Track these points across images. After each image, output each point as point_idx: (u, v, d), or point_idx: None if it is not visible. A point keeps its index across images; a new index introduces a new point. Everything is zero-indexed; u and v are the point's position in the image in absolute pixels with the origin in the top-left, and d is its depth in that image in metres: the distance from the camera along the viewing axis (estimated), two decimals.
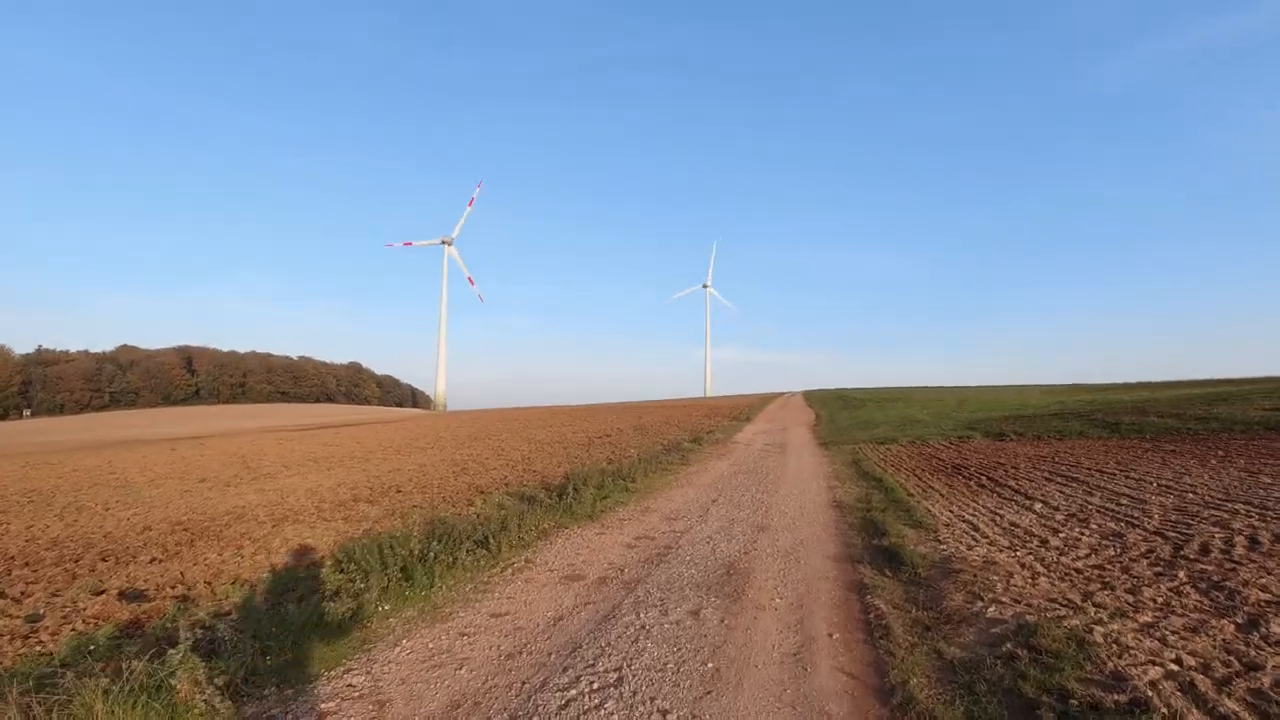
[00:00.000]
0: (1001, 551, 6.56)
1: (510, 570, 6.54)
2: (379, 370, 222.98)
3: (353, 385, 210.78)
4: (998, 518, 8.48)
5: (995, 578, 5.57)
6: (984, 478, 12.59)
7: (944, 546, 6.94)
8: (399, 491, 15.64)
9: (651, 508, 10.37)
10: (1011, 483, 11.57)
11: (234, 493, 17.31)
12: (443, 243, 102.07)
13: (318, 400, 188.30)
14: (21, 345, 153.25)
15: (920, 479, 13.01)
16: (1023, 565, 5.99)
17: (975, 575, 5.65)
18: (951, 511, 9.10)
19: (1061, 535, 7.15)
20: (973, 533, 7.59)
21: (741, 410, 45.97)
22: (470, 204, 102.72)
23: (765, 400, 64.57)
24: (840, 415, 39.40)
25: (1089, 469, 12.80)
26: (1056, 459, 14.86)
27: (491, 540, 7.09)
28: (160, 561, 8.98)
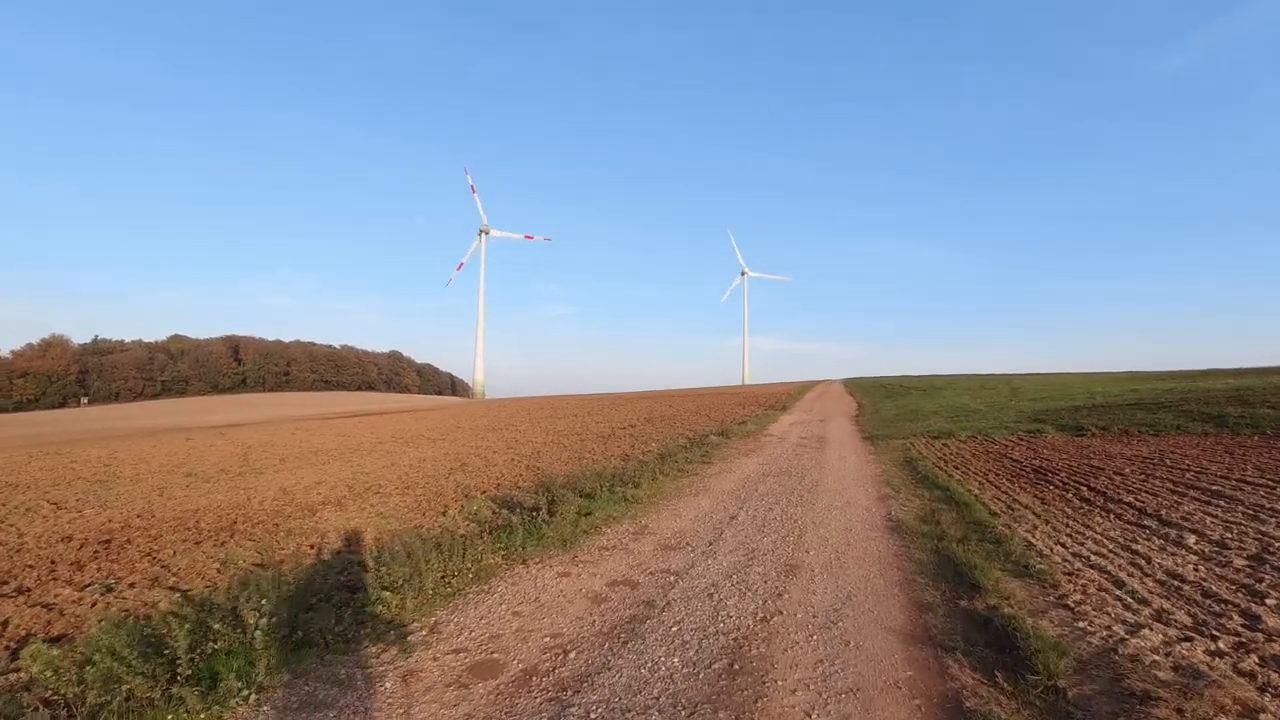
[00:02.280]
0: (1191, 642, 3.95)
1: (393, 655, 4.24)
2: (419, 359, 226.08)
3: (393, 374, 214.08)
4: (1138, 559, 5.83)
5: None
6: (1084, 488, 9.80)
7: (1082, 621, 4.38)
8: (377, 493, 13.74)
9: (649, 529, 7.98)
10: (1127, 497, 8.79)
11: (207, 490, 15.64)
12: (480, 233, 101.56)
13: (359, 388, 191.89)
14: (79, 335, 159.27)
15: (998, 487, 10.30)
16: (1256, 682, 3.39)
17: (1183, 713, 3.08)
18: (1063, 545, 6.46)
19: (1274, 601, 4.51)
20: (1115, 590, 4.98)
21: (778, 399, 43.15)
22: (474, 191, 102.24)
23: (803, 388, 61.39)
24: (884, 404, 36.23)
25: (1221, 476, 9.90)
26: (1167, 462, 11.90)
27: (385, 601, 4.81)
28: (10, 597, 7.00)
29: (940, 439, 18.72)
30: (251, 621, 3.73)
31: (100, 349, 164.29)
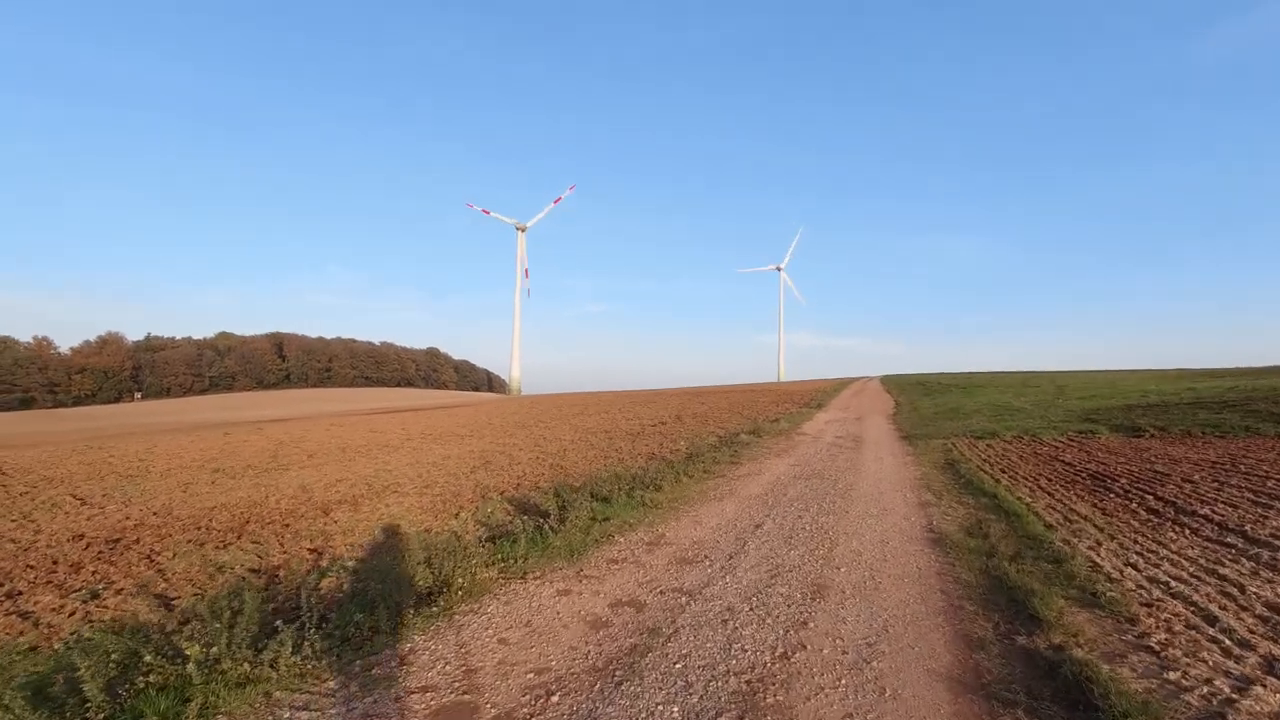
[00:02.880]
0: None
1: (351, 693, 3.69)
2: (456, 355, 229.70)
3: (431, 370, 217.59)
4: (1229, 587, 4.98)
5: None
6: (1149, 496, 8.83)
7: (1173, 671, 3.61)
8: (395, 493, 13.47)
9: (666, 538, 7.37)
10: (1202, 509, 7.81)
11: (230, 487, 15.61)
12: (518, 230, 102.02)
13: (398, 384, 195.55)
14: (134, 333, 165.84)
15: (1051, 495, 9.38)
16: None
17: None
18: (1135, 567, 5.63)
19: None
20: (1207, 628, 4.18)
21: (813, 396, 42.00)
22: (556, 202, 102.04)
23: (839, 386, 59.88)
24: (922, 402, 34.84)
25: None
26: (1242, 468, 10.77)
27: (359, 625, 4.30)
28: None
29: (983, 439, 17.65)
30: (191, 653, 3.26)
31: (153, 346, 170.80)
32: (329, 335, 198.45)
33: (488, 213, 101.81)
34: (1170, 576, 5.28)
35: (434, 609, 4.87)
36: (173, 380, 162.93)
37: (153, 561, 8.21)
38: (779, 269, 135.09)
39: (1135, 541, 6.56)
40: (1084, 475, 11.15)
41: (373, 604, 4.52)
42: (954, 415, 25.88)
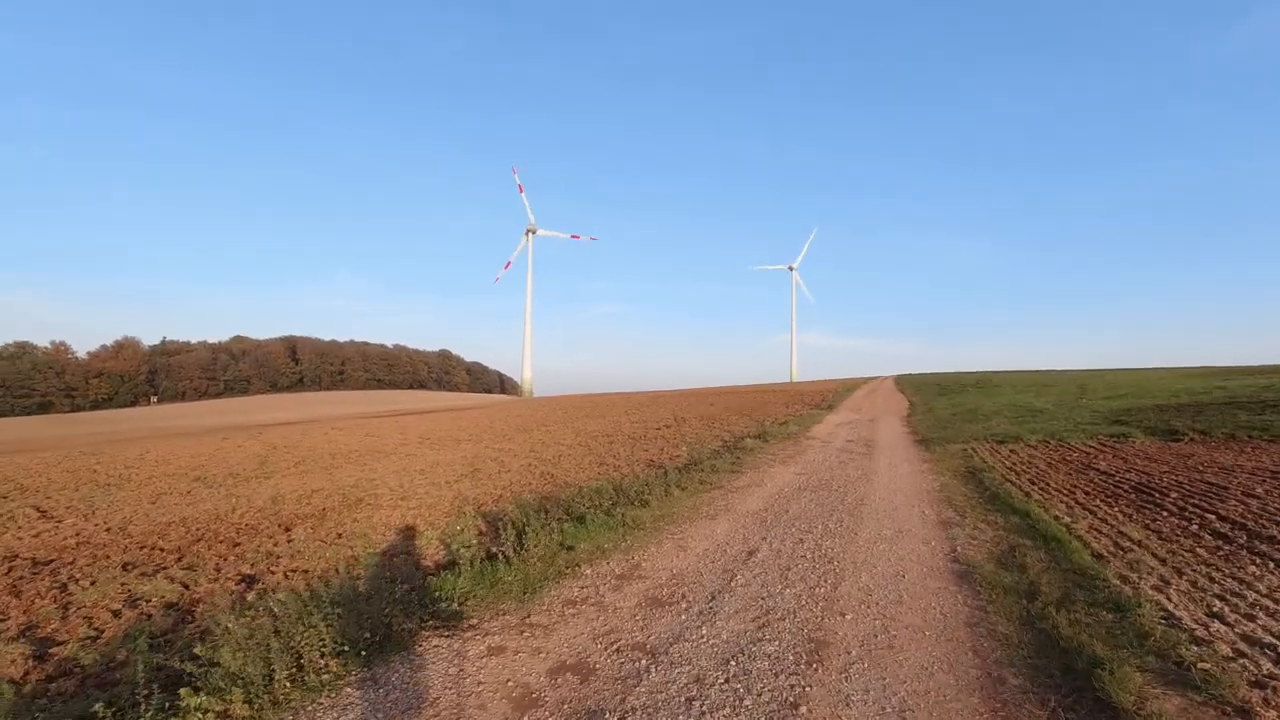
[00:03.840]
0: None
1: None
2: (468, 358, 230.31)
3: (443, 372, 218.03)
4: None
5: None
6: (1210, 515, 7.57)
7: None
8: (370, 505, 12.61)
9: (641, 569, 6.26)
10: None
11: (204, 497, 14.73)
12: (527, 232, 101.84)
13: (410, 387, 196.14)
14: (149, 337, 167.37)
15: (1092, 512, 8.15)
16: None
17: None
18: (1222, 619, 4.43)
19: None
20: None
21: (824, 397, 40.69)
22: (521, 190, 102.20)
23: (852, 386, 58.42)
24: (938, 403, 33.41)
25: None
26: None
27: (203, 709, 3.25)
28: None
29: (1006, 443, 16.36)
30: None
31: (168, 350, 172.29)
32: (342, 338, 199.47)
33: (508, 265, 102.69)
34: (1276, 636, 4.09)
35: (313, 683, 3.81)
36: (188, 384, 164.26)
37: (65, 591, 7.25)
38: (791, 269, 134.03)
39: (1210, 579, 5.36)
40: (1126, 487, 9.90)
41: (223, 683, 3.47)
42: (972, 417, 24.52)
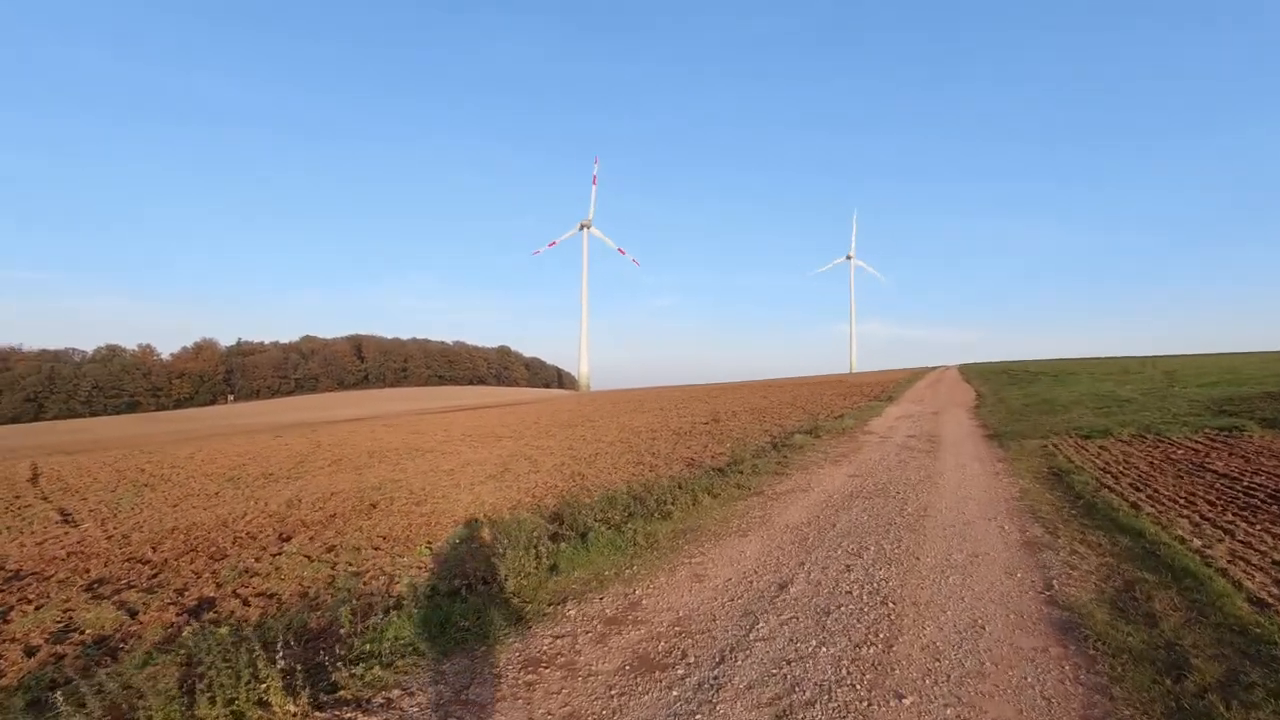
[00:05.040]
0: None
1: None
2: (527, 353, 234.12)
3: (502, 368, 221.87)
4: None
5: None
6: None
7: None
8: (381, 510, 11.83)
9: (640, 607, 5.00)
10: None
11: (228, 499, 14.40)
12: (581, 227, 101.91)
13: (470, 383, 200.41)
14: (226, 339, 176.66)
15: (1227, 531, 6.38)
16: None
17: None
18: None
19: None
20: None
21: (884, 388, 38.34)
22: (594, 182, 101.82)
23: (914, 376, 55.30)
24: (1009, 393, 30.68)
25: None
26: None
27: None
28: None
29: (1092, 438, 14.26)
30: None
31: (243, 350, 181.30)
32: (404, 336, 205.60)
33: (554, 243, 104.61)
34: None
35: None
36: (261, 383, 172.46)
37: (4, 619, 6.54)
38: (849, 258, 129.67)
39: None
40: (1261, 496, 7.97)
41: None
42: (1049, 408, 22.10)
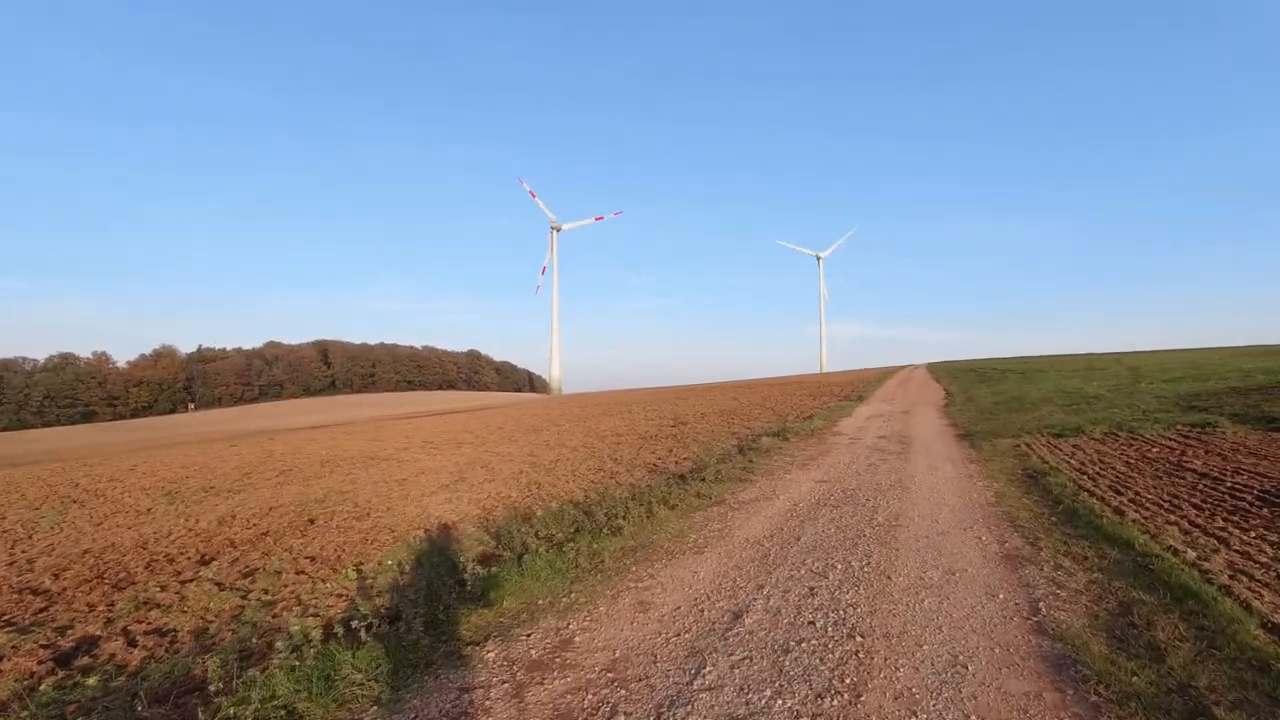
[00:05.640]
0: None
1: None
2: (498, 357, 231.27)
3: (472, 372, 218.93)
4: None
5: None
6: None
7: None
8: (318, 526, 10.91)
9: (572, 647, 4.29)
10: None
11: (160, 515, 13.35)
12: (552, 230, 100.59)
13: (440, 387, 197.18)
14: (185, 345, 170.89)
15: (1220, 540, 5.89)
16: None
17: None
18: None
19: None
20: None
21: (855, 388, 38.16)
22: (533, 196, 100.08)
23: (884, 375, 55.50)
24: (978, 391, 30.65)
25: None
26: None
27: None
28: None
29: (1065, 436, 13.95)
30: None
31: (204, 357, 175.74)
32: (373, 341, 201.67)
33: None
34: None
35: None
36: (224, 390, 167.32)
37: None
38: (819, 257, 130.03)
39: None
40: (1249, 498, 7.55)
41: None
42: (1019, 406, 21.93)
